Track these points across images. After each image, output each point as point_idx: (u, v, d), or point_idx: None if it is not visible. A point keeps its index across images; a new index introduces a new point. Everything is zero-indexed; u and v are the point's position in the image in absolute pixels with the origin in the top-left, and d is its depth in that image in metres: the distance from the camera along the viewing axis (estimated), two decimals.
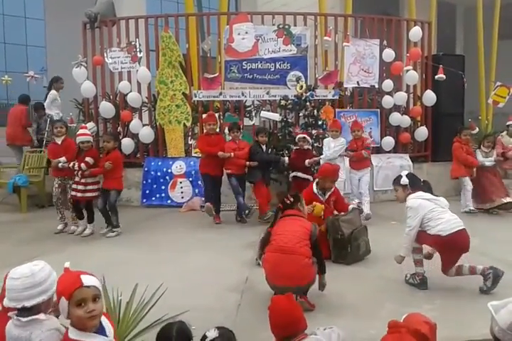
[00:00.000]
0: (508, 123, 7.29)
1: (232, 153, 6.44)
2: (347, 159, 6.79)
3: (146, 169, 7.92)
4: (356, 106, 8.38)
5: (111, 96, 8.33)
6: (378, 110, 8.29)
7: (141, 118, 8.23)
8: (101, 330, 1.87)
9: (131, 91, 7.95)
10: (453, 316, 3.28)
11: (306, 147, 6.58)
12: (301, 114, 7.39)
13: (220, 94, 8.01)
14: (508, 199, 6.94)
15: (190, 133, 8.07)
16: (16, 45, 14.53)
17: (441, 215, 3.79)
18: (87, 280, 1.83)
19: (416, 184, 4.04)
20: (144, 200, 7.85)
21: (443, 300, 3.63)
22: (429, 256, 4.06)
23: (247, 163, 6.48)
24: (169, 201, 7.77)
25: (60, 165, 5.93)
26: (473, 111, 10.49)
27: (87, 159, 5.77)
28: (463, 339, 2.97)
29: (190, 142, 8.03)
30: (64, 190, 6.11)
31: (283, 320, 2.22)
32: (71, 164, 5.82)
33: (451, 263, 3.84)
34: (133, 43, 7.92)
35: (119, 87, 8.08)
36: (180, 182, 7.77)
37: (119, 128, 8.28)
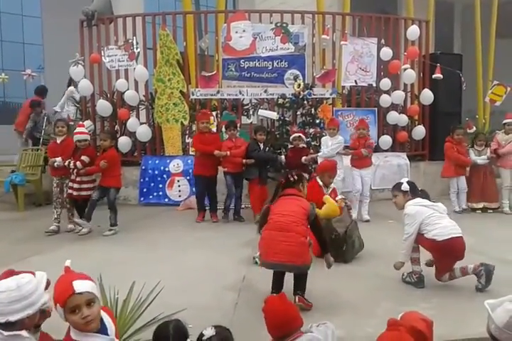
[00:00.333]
0: (504, 121, 7.30)
1: (229, 152, 6.43)
2: (345, 158, 6.78)
3: (143, 167, 7.91)
4: (354, 105, 8.38)
5: (108, 95, 8.31)
6: (376, 109, 8.30)
7: (138, 116, 8.22)
8: (102, 329, 1.88)
9: (128, 89, 7.93)
10: (450, 314, 3.29)
11: (301, 145, 6.59)
12: (298, 113, 7.38)
13: (218, 92, 8.00)
14: (493, 206, 7.06)
15: (187, 132, 8.06)
16: (12, 42, 14.46)
17: (439, 220, 3.82)
18: (79, 286, 1.82)
19: (415, 191, 4.08)
20: (142, 199, 7.84)
21: (440, 298, 3.64)
22: (431, 264, 4.07)
23: (244, 160, 6.48)
24: (166, 199, 7.77)
25: (55, 164, 5.91)
26: (470, 110, 10.49)
27: (83, 157, 5.76)
28: (460, 338, 2.98)
29: (187, 140, 8.02)
30: (62, 190, 6.11)
31: (277, 320, 2.22)
32: (66, 162, 5.81)
33: (444, 269, 3.87)
34: (130, 41, 7.90)
35: (116, 85, 8.06)
36: (178, 181, 7.77)
37: (117, 127, 8.26)
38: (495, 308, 1.92)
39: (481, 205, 7.09)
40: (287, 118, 7.60)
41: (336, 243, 4.57)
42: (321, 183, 5.17)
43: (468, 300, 3.56)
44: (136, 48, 7.86)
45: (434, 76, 7.85)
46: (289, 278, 3.52)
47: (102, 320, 1.89)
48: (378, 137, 8.21)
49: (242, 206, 6.81)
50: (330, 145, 6.54)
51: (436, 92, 8.40)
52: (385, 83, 8.12)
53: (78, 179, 5.85)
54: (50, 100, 9.66)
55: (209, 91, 7.98)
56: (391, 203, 4.23)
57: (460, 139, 7.10)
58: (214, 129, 7.73)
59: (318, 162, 6.52)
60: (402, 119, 8.34)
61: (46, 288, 2.08)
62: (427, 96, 8.40)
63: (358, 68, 8.24)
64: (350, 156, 6.77)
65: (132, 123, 7.95)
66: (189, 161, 7.72)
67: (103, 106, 8.00)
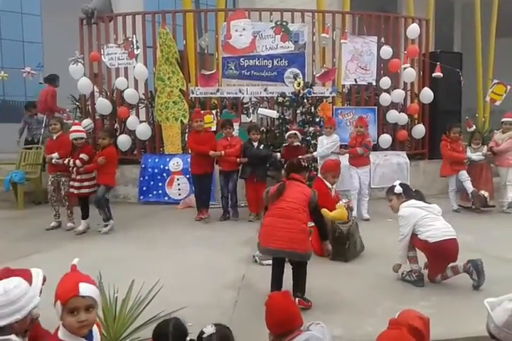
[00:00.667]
0: (502, 120, 7.31)
1: (223, 152, 6.43)
2: (342, 156, 6.78)
3: (143, 166, 7.91)
4: (354, 104, 8.38)
5: (108, 93, 8.30)
6: (376, 107, 8.29)
7: (138, 114, 8.21)
8: (89, 337, 1.88)
9: (128, 87, 7.93)
10: (449, 313, 3.30)
11: (295, 143, 6.58)
12: (298, 111, 7.38)
13: (218, 90, 7.99)
14: (490, 203, 6.97)
15: (187, 130, 8.05)
16: (12, 40, 14.44)
17: (433, 222, 3.83)
18: (84, 289, 1.82)
19: (409, 193, 4.09)
20: (141, 197, 7.84)
21: (439, 297, 3.64)
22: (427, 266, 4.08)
23: (238, 159, 6.47)
24: (166, 198, 7.77)
25: (53, 161, 5.91)
26: (470, 109, 10.50)
27: (82, 156, 5.75)
28: (459, 336, 2.99)
29: (187, 139, 8.01)
30: (57, 187, 6.10)
31: (280, 317, 2.22)
32: (66, 160, 5.81)
33: (436, 271, 3.90)
34: (130, 39, 7.89)
35: (115, 84, 8.05)
36: (178, 179, 7.77)
37: (116, 125, 8.26)
38: (494, 307, 1.92)
39: (463, 204, 7.11)
40: (287, 117, 7.60)
41: (339, 241, 4.58)
42: (327, 184, 5.15)
43: (467, 299, 3.57)
44: (137, 48, 7.84)
45: (434, 74, 7.84)
46: (288, 278, 3.52)
47: (91, 330, 1.90)
48: (378, 136, 8.20)
49: (242, 204, 6.80)
50: (325, 144, 6.55)
51: (436, 91, 8.39)
52: (385, 82, 8.11)
53: (78, 177, 5.85)
54: None
55: (209, 90, 7.97)
56: None
57: (456, 137, 7.09)
58: (214, 128, 7.73)
59: (318, 161, 6.54)
60: (402, 118, 8.33)
61: (42, 284, 2.09)
62: (427, 94, 8.39)
63: (358, 67, 8.23)
64: (347, 155, 6.77)
65: (132, 121, 7.95)
66: (189, 160, 7.68)
67: (102, 105, 7.99)
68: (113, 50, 8.00)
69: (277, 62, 8.06)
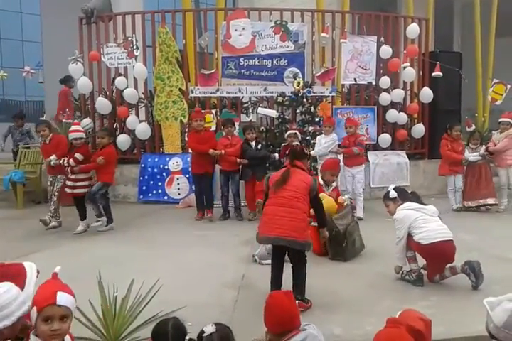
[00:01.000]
0: (499, 120, 7.31)
1: (223, 151, 6.43)
2: (340, 156, 6.78)
3: (142, 165, 7.91)
4: (353, 103, 8.38)
5: (107, 92, 8.30)
6: (375, 107, 8.29)
7: (137, 114, 8.21)
8: None
9: (127, 87, 7.92)
10: (449, 313, 3.30)
11: (294, 143, 6.58)
12: (298, 111, 7.38)
13: (217, 90, 7.99)
14: (489, 201, 7.00)
15: (186, 130, 8.05)
16: (11, 40, 14.44)
17: (427, 224, 3.82)
18: (61, 298, 1.83)
19: (404, 196, 4.10)
20: (141, 196, 7.84)
21: (439, 296, 3.64)
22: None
23: (238, 160, 6.46)
24: (166, 197, 7.77)
25: (52, 163, 5.88)
26: (470, 109, 10.50)
27: (76, 155, 5.73)
28: (458, 336, 2.99)
29: (186, 138, 8.01)
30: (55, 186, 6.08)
31: (281, 316, 2.21)
32: (61, 160, 5.78)
33: (434, 271, 3.91)
34: (129, 39, 7.88)
35: (115, 83, 8.05)
36: (177, 179, 7.77)
37: (116, 125, 8.26)
38: (494, 307, 1.92)
39: (475, 204, 7.09)
40: (287, 117, 7.60)
41: (336, 240, 4.57)
42: (321, 182, 5.17)
43: (466, 299, 3.57)
44: (136, 47, 7.84)
45: (433, 74, 7.84)
46: (288, 278, 3.52)
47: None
48: (378, 135, 8.20)
49: (242, 204, 6.81)
50: (323, 143, 6.55)
51: (435, 91, 8.40)
52: (385, 81, 8.11)
53: (73, 177, 5.82)
54: (49, 99, 9.64)
55: (208, 89, 7.97)
56: None
57: (457, 136, 7.10)
58: (214, 127, 7.73)
59: (318, 161, 6.53)
60: (402, 117, 8.33)
61: (36, 277, 2.09)
62: (427, 94, 8.39)
63: (358, 66, 8.23)
64: (342, 155, 6.77)
65: (131, 121, 7.95)
66: (188, 159, 7.69)
67: (102, 104, 7.99)
68: (113, 49, 8.00)
69: (277, 61, 8.06)
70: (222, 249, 4.99)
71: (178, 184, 7.76)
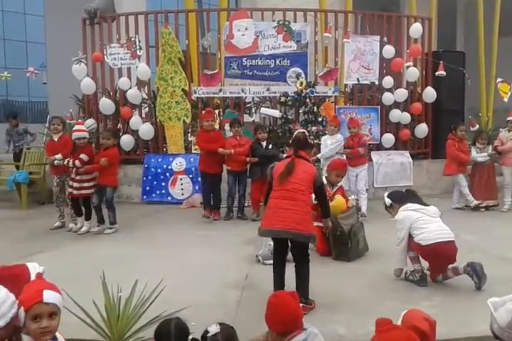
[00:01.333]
0: (508, 118, 7.29)
1: (233, 150, 6.43)
2: (344, 157, 6.77)
3: (146, 166, 7.93)
4: (356, 103, 8.37)
5: (111, 93, 8.32)
6: (378, 107, 8.28)
7: (141, 114, 8.22)
8: None
9: (130, 87, 7.94)
10: (452, 313, 3.29)
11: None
12: (301, 111, 7.38)
13: (220, 90, 8.00)
14: (491, 203, 7.00)
15: (190, 130, 8.06)
16: (15, 41, 14.49)
17: (426, 225, 3.81)
18: (48, 296, 1.84)
19: (400, 198, 4.10)
20: (144, 197, 7.85)
21: (442, 297, 3.63)
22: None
23: (248, 159, 6.47)
24: (169, 198, 7.78)
25: (55, 162, 5.89)
26: (473, 108, 10.46)
27: (82, 156, 5.74)
28: (462, 336, 2.98)
29: (190, 139, 8.03)
30: (63, 188, 6.11)
31: (287, 315, 2.21)
32: (65, 161, 5.79)
33: (436, 271, 3.90)
34: (133, 39, 7.91)
35: (118, 84, 8.07)
36: (181, 179, 7.78)
37: (119, 125, 8.27)
38: (498, 307, 1.92)
39: (484, 203, 7.06)
40: (289, 117, 7.59)
41: (341, 240, 4.57)
42: (325, 182, 5.15)
43: (470, 299, 3.56)
44: (139, 48, 7.86)
45: (437, 73, 7.83)
46: (291, 279, 3.52)
47: (55, 336, 1.91)
48: (381, 135, 8.20)
49: (246, 204, 6.81)
50: (329, 144, 6.53)
51: (438, 90, 8.38)
52: (388, 81, 8.10)
53: (78, 178, 5.83)
54: (53, 100, 9.66)
55: (211, 90, 7.98)
56: None
57: (463, 136, 7.09)
58: (216, 127, 7.74)
59: (322, 162, 6.50)
60: (405, 117, 8.32)
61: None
62: (430, 94, 8.38)
63: (361, 66, 8.23)
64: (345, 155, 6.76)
65: (135, 121, 7.96)
66: (192, 159, 7.73)
67: (106, 105, 8.01)
68: (116, 50, 8.02)
69: (280, 61, 8.07)
70: (226, 249, 5.00)
71: (182, 184, 7.77)
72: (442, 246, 3.73)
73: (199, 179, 7.48)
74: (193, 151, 7.93)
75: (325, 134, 6.86)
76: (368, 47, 8.21)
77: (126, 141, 7.95)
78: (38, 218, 6.73)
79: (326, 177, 5.23)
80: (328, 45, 8.28)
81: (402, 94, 8.24)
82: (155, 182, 7.84)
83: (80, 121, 6.88)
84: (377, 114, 8.24)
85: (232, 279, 4.07)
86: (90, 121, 8.02)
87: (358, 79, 8.21)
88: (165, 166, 7.87)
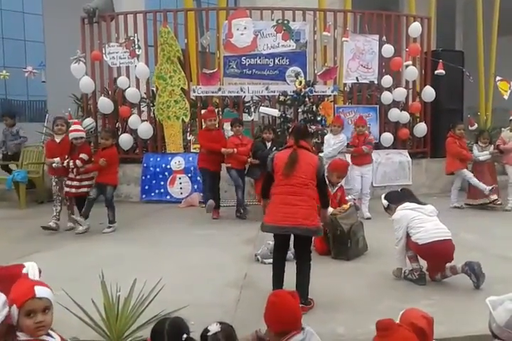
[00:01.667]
0: (511, 117, 7.31)
1: (236, 149, 6.42)
2: (347, 156, 6.78)
3: (145, 165, 7.92)
4: (355, 102, 8.37)
5: (109, 92, 8.31)
6: (377, 106, 8.28)
7: (139, 113, 8.21)
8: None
9: (129, 86, 7.93)
10: (451, 312, 3.29)
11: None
12: (300, 110, 7.38)
13: (219, 89, 7.99)
14: (492, 198, 6.93)
15: (188, 129, 8.06)
16: (14, 40, 14.46)
17: (423, 224, 3.82)
18: (40, 291, 1.85)
19: (397, 198, 4.12)
20: (143, 196, 7.85)
21: (441, 295, 3.64)
22: None
23: (249, 159, 6.46)
24: (168, 197, 7.78)
25: (54, 165, 5.86)
26: (472, 107, 10.46)
27: (82, 156, 5.73)
28: (461, 335, 2.99)
29: (188, 138, 8.03)
30: (62, 188, 6.08)
31: (285, 315, 2.21)
32: (65, 162, 5.77)
33: (434, 270, 3.91)
34: (131, 38, 7.90)
35: (117, 83, 8.05)
36: (180, 178, 7.77)
37: (118, 124, 8.26)
38: (496, 306, 1.92)
39: (481, 201, 7.08)
40: (289, 116, 7.58)
41: (340, 239, 4.58)
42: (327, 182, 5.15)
43: (469, 298, 3.57)
44: (138, 47, 7.85)
45: (436, 72, 7.84)
46: (291, 278, 3.52)
47: (48, 333, 1.91)
48: (380, 134, 8.20)
49: (245, 203, 6.80)
50: (332, 144, 6.53)
51: (437, 89, 8.39)
52: (387, 80, 8.10)
53: (78, 177, 5.83)
54: (51, 99, 9.64)
55: (210, 89, 7.97)
56: None
57: (461, 134, 7.10)
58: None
59: (324, 161, 6.50)
60: (404, 116, 8.32)
61: (39, 276, 2.09)
62: (429, 93, 8.38)
63: (360, 65, 8.22)
64: (350, 154, 6.77)
65: (133, 120, 7.95)
66: (190, 158, 7.72)
67: (104, 104, 8.00)
68: (114, 49, 8.01)
69: (279, 60, 8.06)
70: (225, 249, 5.00)
71: (181, 183, 7.77)
72: (439, 244, 3.74)
73: (198, 178, 7.49)
74: (191, 150, 7.92)
75: (324, 133, 6.86)
76: (367, 47, 8.20)
77: (125, 140, 7.94)
78: (37, 217, 6.70)
79: (326, 177, 5.23)
80: (327, 44, 8.28)
81: (401, 93, 8.24)
82: (154, 182, 7.84)
83: (76, 120, 6.86)
84: (376, 113, 8.24)
85: (232, 278, 4.07)
86: (89, 120, 8.01)
87: (357, 78, 8.20)
88: (164, 165, 7.86)
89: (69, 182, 5.90)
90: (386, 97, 8.14)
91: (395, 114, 8.24)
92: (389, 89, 8.21)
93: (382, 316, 2.00)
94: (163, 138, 8.07)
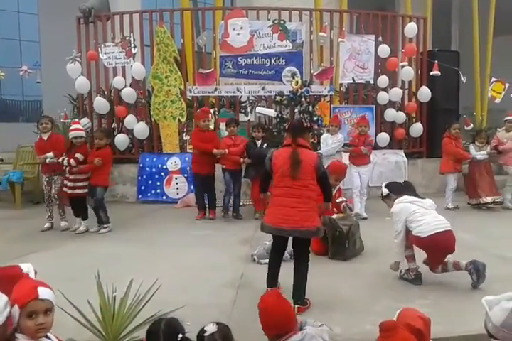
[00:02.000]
0: (505, 118, 7.32)
1: (227, 150, 6.42)
2: (345, 155, 6.79)
3: (141, 165, 7.90)
4: (351, 102, 8.38)
5: (105, 92, 8.28)
6: (373, 106, 8.30)
7: (135, 113, 8.18)
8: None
9: (125, 86, 7.91)
10: (447, 311, 3.30)
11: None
12: (296, 110, 7.38)
13: (215, 89, 7.98)
14: (490, 199, 6.99)
15: (185, 129, 8.04)
16: (9, 39, 14.38)
17: (423, 217, 3.83)
18: (43, 292, 1.84)
19: (398, 189, 4.11)
20: (140, 196, 7.83)
21: (437, 295, 3.65)
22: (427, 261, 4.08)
23: (242, 159, 6.46)
24: (164, 197, 7.76)
25: (47, 160, 5.84)
26: (468, 107, 10.49)
27: (77, 155, 5.72)
28: (457, 334, 2.99)
29: (185, 138, 8.02)
30: (51, 186, 6.03)
31: (274, 320, 2.21)
32: (60, 159, 5.76)
33: (436, 262, 3.90)
34: (127, 38, 7.88)
35: (113, 83, 8.04)
36: (176, 179, 7.76)
37: (114, 124, 8.24)
38: (492, 306, 1.92)
39: (477, 201, 7.10)
40: (285, 116, 7.59)
41: (339, 240, 4.59)
42: None
43: (465, 297, 3.58)
44: (134, 47, 7.83)
45: (432, 73, 7.86)
46: (288, 278, 3.52)
47: (48, 337, 1.90)
48: (376, 134, 8.20)
49: (241, 203, 6.81)
50: (330, 143, 6.55)
51: (433, 90, 8.41)
52: (383, 80, 8.12)
53: (72, 177, 5.80)
54: (47, 99, 9.59)
55: (206, 89, 7.96)
56: None
57: (456, 133, 7.12)
58: (211, 127, 7.72)
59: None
60: (400, 116, 8.34)
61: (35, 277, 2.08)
62: (425, 93, 8.40)
63: (356, 65, 8.24)
64: (348, 153, 6.78)
65: (129, 120, 7.93)
66: (187, 159, 7.71)
67: (100, 104, 7.97)
68: (110, 49, 7.99)
69: (275, 60, 8.07)
70: (221, 249, 4.99)
71: (177, 183, 7.75)
72: (441, 236, 3.75)
73: None
74: (188, 150, 7.91)
75: (320, 133, 6.86)
76: (363, 47, 8.22)
77: (121, 140, 7.92)
78: (32, 218, 6.68)
79: None
80: (323, 45, 8.29)
81: (397, 93, 8.26)
82: (150, 182, 7.82)
83: (76, 120, 6.85)
84: (372, 113, 8.26)
85: (228, 279, 4.07)
86: (85, 120, 7.98)
87: (353, 78, 8.22)
88: (160, 165, 7.85)
89: (65, 182, 5.89)
90: (382, 97, 8.16)
91: (391, 114, 8.26)
92: (385, 89, 8.23)
93: (378, 316, 2.01)
94: (159, 139, 8.06)
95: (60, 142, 5.97)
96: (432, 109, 8.64)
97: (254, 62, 8.06)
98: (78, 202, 5.91)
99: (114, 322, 2.62)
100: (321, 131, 6.95)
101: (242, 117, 8.11)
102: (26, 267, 2.12)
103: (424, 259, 4.04)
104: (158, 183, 7.80)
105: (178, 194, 7.71)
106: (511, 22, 12.19)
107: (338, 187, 5.27)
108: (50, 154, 5.84)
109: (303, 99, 7.25)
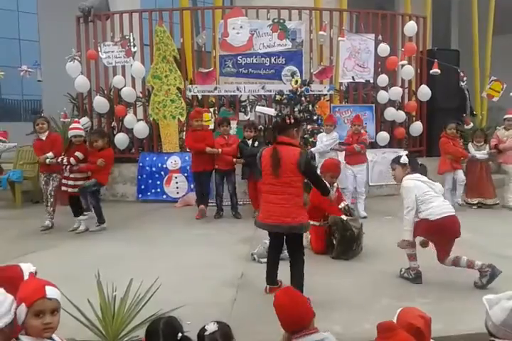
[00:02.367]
0: (505, 116, 7.32)
1: (220, 149, 6.42)
2: (340, 154, 6.78)
3: (141, 164, 7.90)
4: (351, 101, 8.37)
5: (105, 91, 8.28)
6: (373, 105, 8.30)
7: (135, 113, 8.19)
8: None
9: (125, 85, 7.90)
10: (447, 310, 3.30)
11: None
12: (296, 109, 7.37)
13: (215, 88, 7.98)
14: (489, 202, 7.03)
15: (184, 128, 8.04)
16: (8, 39, 14.38)
17: (433, 199, 3.84)
18: (50, 292, 1.83)
19: (414, 166, 4.13)
20: (140, 195, 7.83)
21: (437, 294, 3.65)
22: (426, 243, 4.03)
23: (234, 160, 6.46)
24: (164, 196, 7.76)
25: (47, 161, 5.82)
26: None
27: (77, 154, 5.71)
28: (457, 333, 2.99)
29: (184, 137, 8.00)
30: (49, 185, 6.00)
31: (287, 315, 2.22)
32: (59, 159, 5.75)
33: (444, 250, 3.84)
34: (127, 37, 7.87)
35: (113, 82, 8.03)
36: (176, 178, 7.76)
37: (114, 123, 8.24)
38: (492, 305, 1.92)
39: (475, 201, 7.10)
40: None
41: (348, 241, 4.58)
42: None
43: (465, 296, 3.57)
44: (134, 46, 7.82)
45: (431, 71, 7.85)
46: (289, 275, 3.52)
47: (52, 337, 1.89)
48: (376, 133, 8.21)
49: (240, 202, 6.80)
50: (324, 141, 6.55)
51: (433, 89, 8.40)
52: (383, 79, 8.11)
53: (72, 176, 5.81)
54: (46, 98, 9.58)
55: (206, 88, 7.96)
56: (388, 199, 4.26)
57: (453, 133, 7.11)
58: (212, 126, 7.72)
59: (317, 159, 6.51)
60: (400, 115, 8.34)
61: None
62: (425, 92, 8.40)
63: (356, 64, 8.23)
64: (343, 153, 6.76)
65: (129, 119, 7.93)
66: (186, 158, 7.70)
67: (100, 103, 7.97)
68: (110, 48, 7.98)
69: (275, 59, 8.06)
70: (221, 248, 4.99)
71: (177, 183, 7.75)
72: (449, 219, 3.77)
73: None
74: (187, 150, 7.90)
75: (320, 132, 6.86)
76: (363, 46, 8.21)
77: (121, 139, 7.91)
78: (32, 217, 6.67)
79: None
80: (323, 44, 8.29)
81: (397, 92, 8.26)
82: (150, 181, 7.82)
83: (76, 119, 6.85)
84: (372, 112, 8.25)
85: (228, 278, 4.07)
86: (85, 120, 7.97)
87: (353, 77, 8.22)
88: (160, 165, 7.84)
89: (64, 181, 5.88)
90: (382, 96, 8.16)
91: (391, 113, 8.26)
92: (385, 88, 8.23)
93: (378, 315, 2.01)
94: (159, 138, 8.05)
95: (59, 141, 5.96)
96: (431, 107, 8.64)
97: (254, 61, 8.06)
98: (78, 200, 5.90)
99: (114, 321, 2.62)
100: (321, 130, 6.95)
101: (242, 116, 8.11)
102: (26, 267, 2.12)
103: (421, 241, 3.98)
104: (158, 182, 7.80)
105: (178, 193, 7.71)
106: (511, 21, 12.19)
107: (337, 186, 5.23)
108: (50, 154, 5.82)
109: (303, 98, 7.24)
